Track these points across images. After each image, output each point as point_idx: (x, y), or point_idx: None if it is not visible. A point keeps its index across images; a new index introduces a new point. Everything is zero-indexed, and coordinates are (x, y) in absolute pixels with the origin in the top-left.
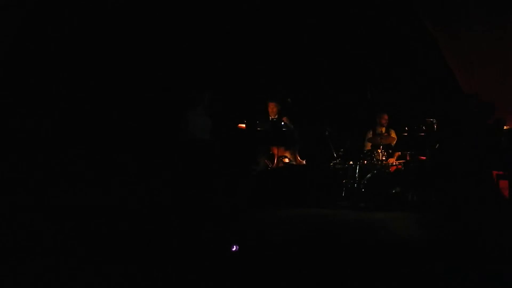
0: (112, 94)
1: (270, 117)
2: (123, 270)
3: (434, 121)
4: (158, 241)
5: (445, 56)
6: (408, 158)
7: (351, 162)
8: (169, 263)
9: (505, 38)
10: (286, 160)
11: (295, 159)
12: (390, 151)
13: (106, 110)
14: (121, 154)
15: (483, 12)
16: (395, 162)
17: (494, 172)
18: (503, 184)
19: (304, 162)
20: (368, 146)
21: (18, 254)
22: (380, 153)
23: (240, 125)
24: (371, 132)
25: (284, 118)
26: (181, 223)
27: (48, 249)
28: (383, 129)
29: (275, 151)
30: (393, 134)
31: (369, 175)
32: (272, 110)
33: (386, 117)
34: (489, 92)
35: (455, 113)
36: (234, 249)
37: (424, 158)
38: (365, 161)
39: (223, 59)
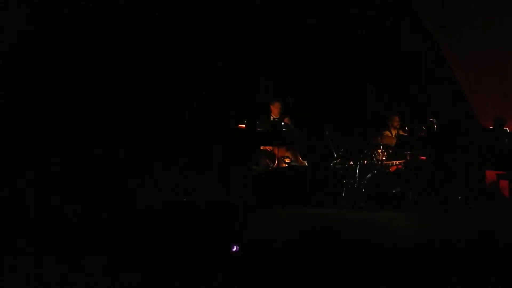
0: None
1: (272, 117)
2: (123, 270)
3: (434, 121)
4: (158, 241)
5: (445, 56)
6: (408, 158)
7: (351, 162)
8: (169, 263)
9: (505, 37)
10: (288, 160)
11: (297, 159)
12: (390, 151)
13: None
14: (122, 151)
15: (483, 12)
16: (396, 163)
17: (495, 172)
18: (503, 184)
19: (305, 162)
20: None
21: (17, 254)
22: (380, 153)
23: (240, 125)
24: (384, 134)
25: (286, 119)
26: (181, 223)
27: (48, 249)
28: (395, 131)
29: (276, 151)
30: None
31: (369, 175)
32: (277, 110)
33: (397, 119)
34: (488, 91)
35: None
36: (234, 249)
37: (424, 158)
38: (365, 161)
39: (223, 59)
